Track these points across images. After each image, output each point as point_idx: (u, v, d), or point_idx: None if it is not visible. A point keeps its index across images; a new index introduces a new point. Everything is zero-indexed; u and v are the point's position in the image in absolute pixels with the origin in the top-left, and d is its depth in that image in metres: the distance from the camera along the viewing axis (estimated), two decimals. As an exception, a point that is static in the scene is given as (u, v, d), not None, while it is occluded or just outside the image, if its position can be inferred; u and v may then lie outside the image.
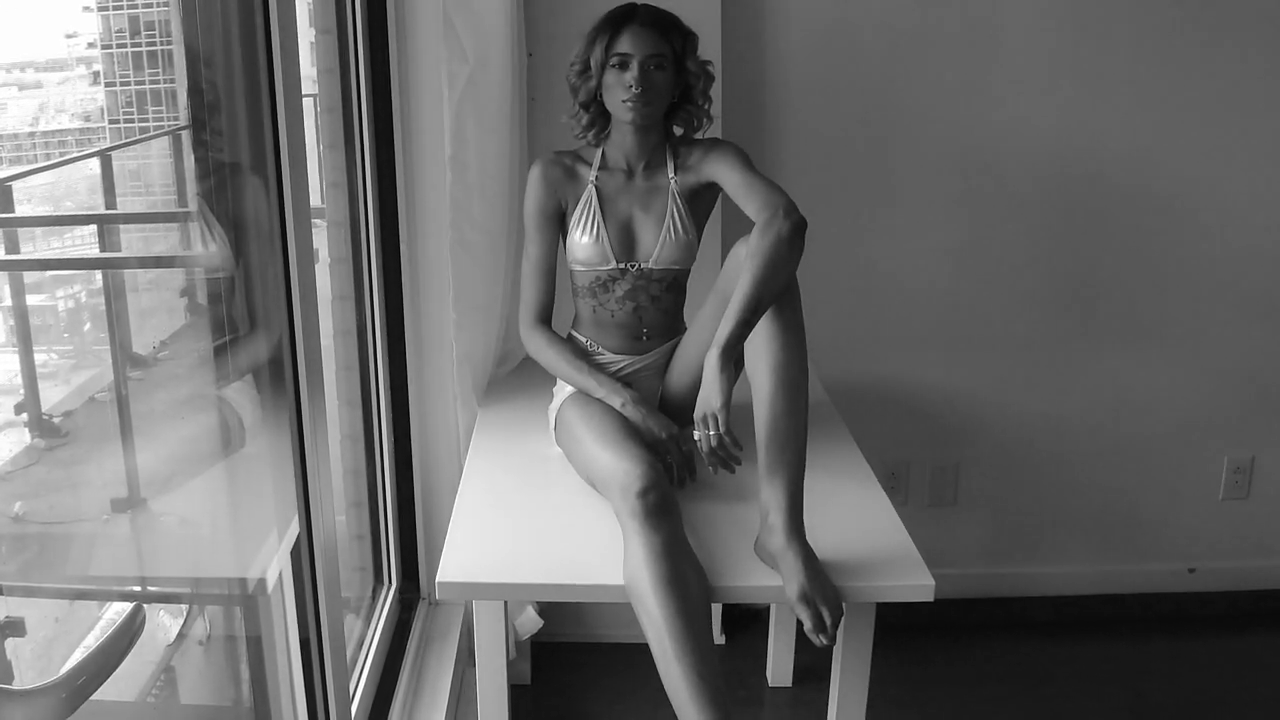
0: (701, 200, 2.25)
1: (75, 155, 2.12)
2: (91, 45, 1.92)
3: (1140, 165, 2.92)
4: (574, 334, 2.32)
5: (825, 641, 1.75)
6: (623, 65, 2.13)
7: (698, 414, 1.89)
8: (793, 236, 1.92)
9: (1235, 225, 2.97)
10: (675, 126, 2.26)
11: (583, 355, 2.27)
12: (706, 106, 2.23)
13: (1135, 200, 2.94)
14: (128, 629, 1.06)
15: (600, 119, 2.24)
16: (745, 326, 1.87)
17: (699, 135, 2.27)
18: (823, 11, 2.79)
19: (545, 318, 2.30)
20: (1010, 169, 2.90)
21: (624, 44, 2.13)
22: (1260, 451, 3.17)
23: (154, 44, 1.94)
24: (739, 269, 1.96)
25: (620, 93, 2.14)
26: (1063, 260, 2.99)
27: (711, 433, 1.87)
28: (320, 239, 2.40)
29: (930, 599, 1.81)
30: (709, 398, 1.87)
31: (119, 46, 1.92)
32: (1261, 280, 3.02)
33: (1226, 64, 2.86)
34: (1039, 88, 2.85)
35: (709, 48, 2.32)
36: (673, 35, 2.15)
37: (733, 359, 1.88)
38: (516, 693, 2.74)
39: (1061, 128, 2.89)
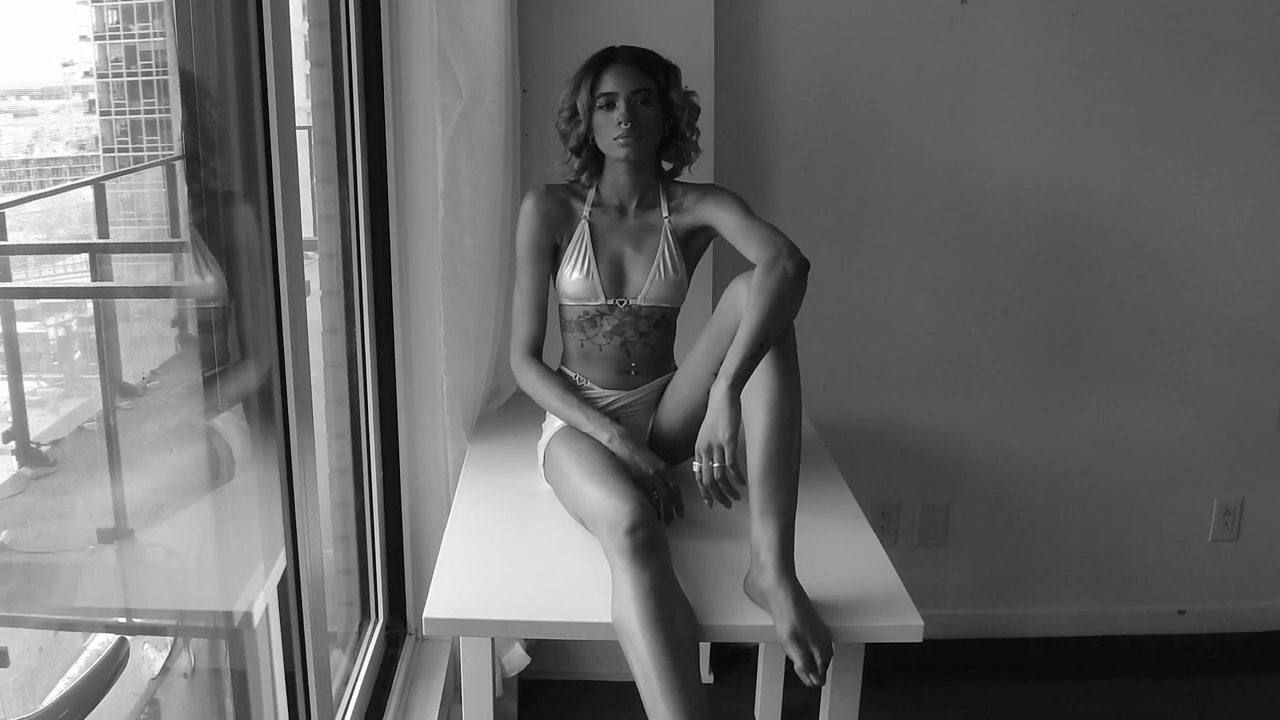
0: (694, 242, 2.26)
1: (69, 184, 2.12)
2: (88, 74, 1.93)
3: (1129, 209, 2.94)
4: (563, 369, 2.32)
5: (815, 681, 1.74)
6: (609, 104, 2.15)
7: (701, 444, 1.89)
8: (797, 276, 1.94)
9: (1223, 268, 2.99)
10: (665, 163, 2.27)
11: (572, 389, 2.26)
12: (694, 138, 2.25)
13: (1124, 244, 2.95)
14: (111, 662, 1.05)
15: (592, 161, 2.25)
16: (752, 360, 1.89)
17: (689, 168, 2.28)
18: (815, 53, 2.81)
19: (536, 350, 2.29)
20: (1001, 212, 2.92)
21: (608, 83, 2.15)
22: (1249, 494, 3.17)
23: (150, 74, 1.95)
24: (735, 304, 1.97)
25: (611, 130, 2.15)
26: (1052, 303, 3.00)
27: (715, 464, 1.86)
28: (312, 271, 2.40)
29: (919, 639, 1.80)
30: (716, 428, 1.87)
31: (115, 76, 1.93)
32: (1250, 323, 3.03)
33: (1214, 109, 2.88)
34: (1029, 132, 2.87)
35: (702, 89, 2.33)
36: (655, 70, 2.18)
37: (740, 391, 1.88)
38: (502, 730, 2.72)
39: (1051, 171, 2.90)
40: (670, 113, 2.21)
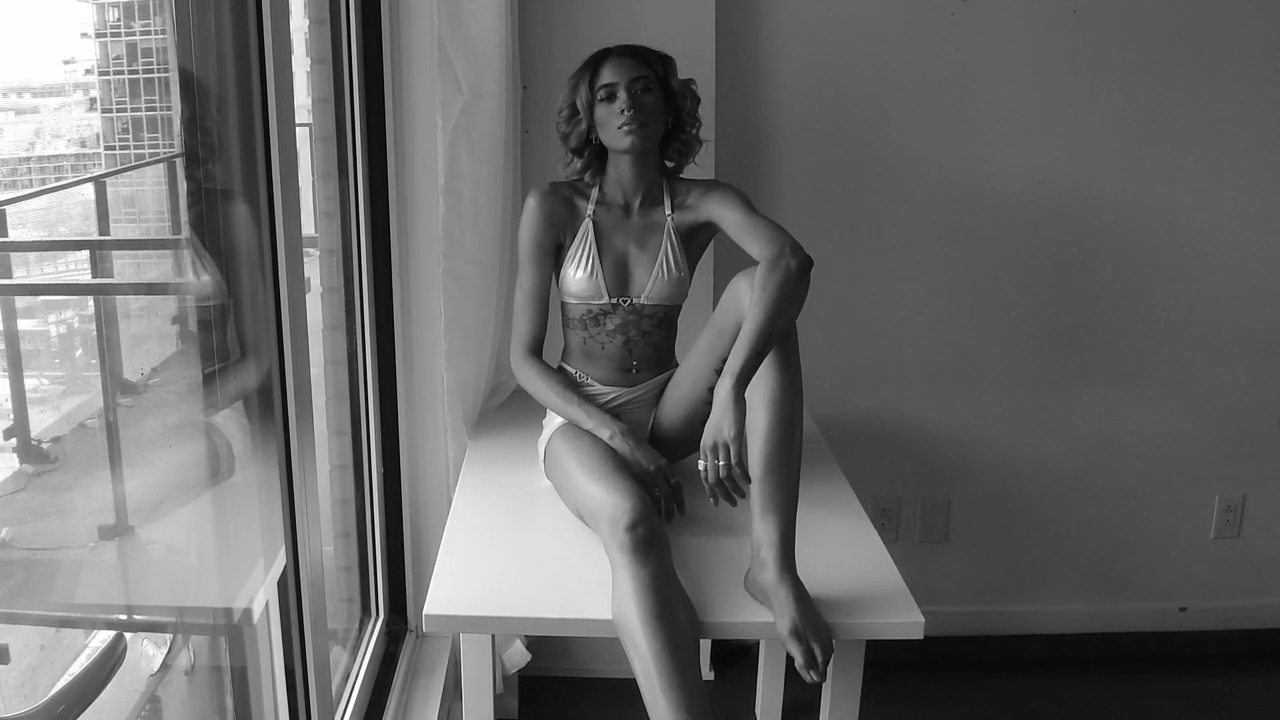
0: (697, 239, 2.26)
1: (71, 181, 2.12)
2: (89, 71, 1.93)
3: (1129, 206, 2.93)
4: (564, 366, 2.31)
5: (816, 678, 1.74)
6: (610, 95, 2.15)
7: (707, 442, 1.88)
8: (801, 273, 1.94)
9: (1225, 265, 2.98)
10: (667, 161, 2.27)
11: (573, 387, 2.26)
12: (696, 131, 2.24)
13: (1124, 241, 2.95)
14: (108, 658, 1.05)
15: (595, 161, 2.25)
16: (757, 358, 1.88)
17: (693, 160, 2.28)
18: (815, 51, 2.80)
19: (537, 348, 2.29)
20: (1001, 209, 2.91)
21: (607, 75, 2.16)
22: (1251, 491, 3.16)
23: (151, 71, 1.95)
24: (736, 301, 1.97)
25: (614, 120, 2.15)
26: (1054, 300, 3.00)
27: (721, 463, 1.86)
28: (313, 268, 2.40)
29: (920, 636, 1.80)
30: (721, 427, 1.86)
31: (116, 73, 1.93)
32: (1250, 320, 3.03)
33: (1216, 106, 2.87)
34: (1029, 129, 2.87)
35: (704, 88, 2.33)
36: (652, 60, 2.19)
37: (744, 389, 1.88)
38: (503, 727, 2.73)
39: (1053, 169, 2.90)
40: (672, 102, 2.21)
